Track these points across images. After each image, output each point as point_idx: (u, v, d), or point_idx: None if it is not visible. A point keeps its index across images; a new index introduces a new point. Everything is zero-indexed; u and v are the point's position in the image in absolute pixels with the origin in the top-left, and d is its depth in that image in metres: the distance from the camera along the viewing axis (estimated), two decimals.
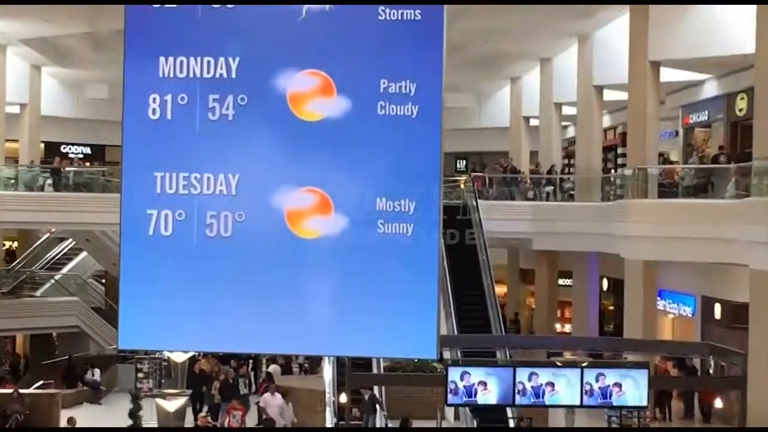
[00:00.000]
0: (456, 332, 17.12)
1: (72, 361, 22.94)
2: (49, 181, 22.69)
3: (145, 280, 3.42)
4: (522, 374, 12.54)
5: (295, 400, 16.60)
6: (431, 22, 3.29)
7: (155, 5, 3.41)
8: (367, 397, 15.22)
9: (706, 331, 20.12)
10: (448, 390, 12.38)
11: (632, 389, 12.61)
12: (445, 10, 3.31)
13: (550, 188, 23.17)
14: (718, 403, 18.52)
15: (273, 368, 19.86)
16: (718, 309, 20.00)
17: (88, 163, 28.25)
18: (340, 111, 3.24)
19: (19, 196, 22.39)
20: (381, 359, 14.65)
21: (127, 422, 16.36)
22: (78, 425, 15.92)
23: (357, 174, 3.23)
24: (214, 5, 3.35)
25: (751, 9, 15.30)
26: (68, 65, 27.24)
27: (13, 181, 23.10)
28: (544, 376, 12.46)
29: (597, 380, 12.66)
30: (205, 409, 17.57)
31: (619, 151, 25.30)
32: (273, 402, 15.61)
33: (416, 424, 14.57)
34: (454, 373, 12.39)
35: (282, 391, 16.32)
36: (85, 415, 18.13)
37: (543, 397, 12.64)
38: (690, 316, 21.45)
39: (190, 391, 17.48)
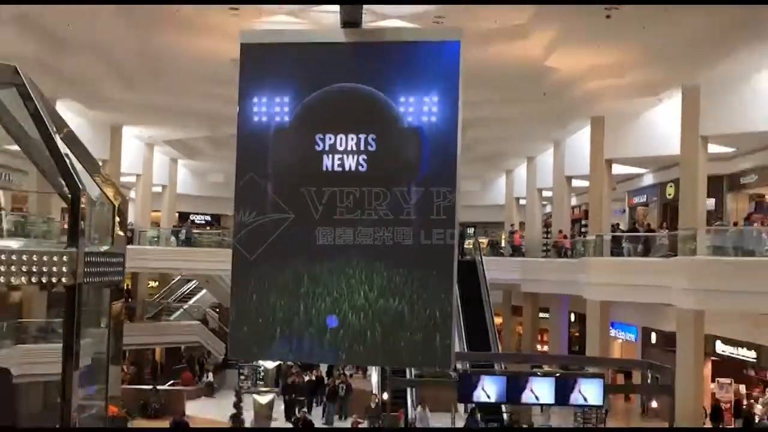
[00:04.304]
0: (465, 349, 25.43)
1: (194, 366, 37.62)
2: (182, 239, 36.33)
3: None
4: (512, 380, 18.37)
5: None
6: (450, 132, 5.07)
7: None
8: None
9: (645, 352, 30.72)
10: (459, 392, 18.53)
11: (592, 393, 18.10)
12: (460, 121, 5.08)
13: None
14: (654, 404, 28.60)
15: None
16: (653, 336, 30.88)
17: (209, 227, 45.25)
18: None
19: (159, 249, 35.63)
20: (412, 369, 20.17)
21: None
22: (195, 415, 25.09)
23: None
24: None
25: (678, 118, 23.63)
26: (196, 159, 43.31)
27: (156, 239, 36.91)
28: (528, 381, 18.37)
29: (566, 385, 18.16)
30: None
31: (583, 222, 37.00)
32: None
33: (436, 415, 21.99)
34: (463, 380, 18.51)
35: None
36: (202, 404, 29.21)
37: (527, 399, 18.28)
38: (633, 341, 32.88)
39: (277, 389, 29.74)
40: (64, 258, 4.44)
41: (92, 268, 4.67)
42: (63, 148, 4.70)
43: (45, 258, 4.36)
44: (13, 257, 4.22)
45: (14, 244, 4.41)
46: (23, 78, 4.64)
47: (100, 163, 30.07)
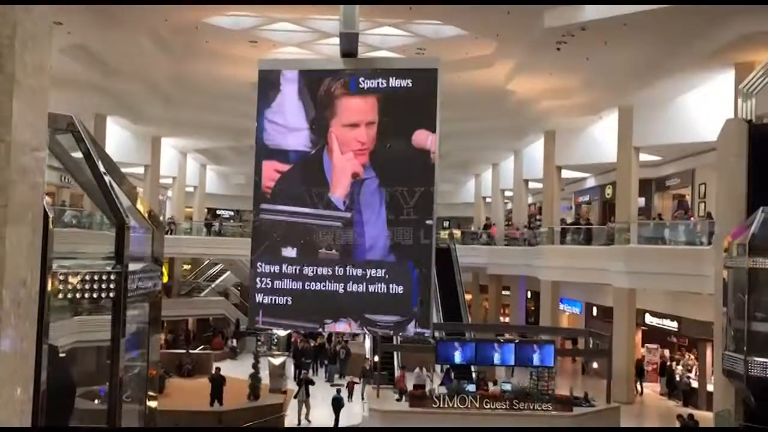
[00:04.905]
0: (441, 320, 25.54)
1: (220, 334, 36.75)
2: (214, 229, 36.72)
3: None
4: (480, 346, 19.15)
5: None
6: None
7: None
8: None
9: (588, 323, 31.02)
10: (436, 355, 19.40)
11: (544, 356, 18.80)
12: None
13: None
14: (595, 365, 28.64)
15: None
16: (594, 310, 31.36)
17: (232, 221, 43.65)
18: None
19: (191, 239, 35.05)
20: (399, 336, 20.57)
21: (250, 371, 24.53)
22: (221, 372, 24.14)
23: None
24: None
25: (615, 132, 24.69)
26: (221, 164, 42.79)
27: (189, 230, 36.58)
28: (492, 346, 19.18)
29: (524, 350, 18.84)
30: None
31: (538, 217, 36.54)
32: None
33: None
34: (440, 345, 19.27)
35: None
36: (226, 365, 27.49)
37: (492, 360, 19.12)
38: (578, 313, 33.29)
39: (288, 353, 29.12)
40: (112, 276, 4.36)
41: (134, 284, 4.59)
42: (107, 177, 4.58)
43: (96, 277, 4.27)
44: (70, 278, 4.12)
45: (69, 262, 4.26)
46: (77, 125, 4.59)
47: (143, 169, 29.92)
